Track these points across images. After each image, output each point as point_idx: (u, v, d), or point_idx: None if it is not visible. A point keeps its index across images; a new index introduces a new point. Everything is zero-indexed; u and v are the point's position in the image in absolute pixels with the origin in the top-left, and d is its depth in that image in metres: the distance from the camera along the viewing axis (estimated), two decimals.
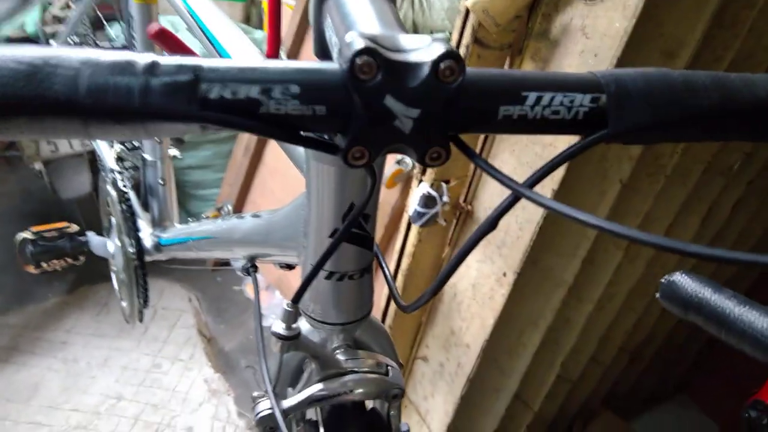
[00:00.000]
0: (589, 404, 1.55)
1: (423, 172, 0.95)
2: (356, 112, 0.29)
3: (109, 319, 2.09)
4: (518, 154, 0.86)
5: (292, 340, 0.42)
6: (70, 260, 1.28)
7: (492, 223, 0.33)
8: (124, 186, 1.06)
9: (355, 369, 0.46)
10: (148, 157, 1.05)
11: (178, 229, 0.96)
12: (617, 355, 1.43)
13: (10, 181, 2.81)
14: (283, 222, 0.55)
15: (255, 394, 0.47)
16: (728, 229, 1.29)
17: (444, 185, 0.94)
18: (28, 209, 2.62)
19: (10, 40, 1.95)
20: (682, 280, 0.31)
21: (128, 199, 1.05)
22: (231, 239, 0.66)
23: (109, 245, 1.10)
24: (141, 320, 1.14)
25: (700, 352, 1.78)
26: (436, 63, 0.28)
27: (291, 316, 0.42)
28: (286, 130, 0.29)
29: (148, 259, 1.06)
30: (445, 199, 0.93)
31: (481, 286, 0.99)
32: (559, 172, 0.81)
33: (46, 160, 2.14)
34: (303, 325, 0.50)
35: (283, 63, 0.29)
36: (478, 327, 1.02)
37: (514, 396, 1.19)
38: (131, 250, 1.01)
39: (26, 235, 1.23)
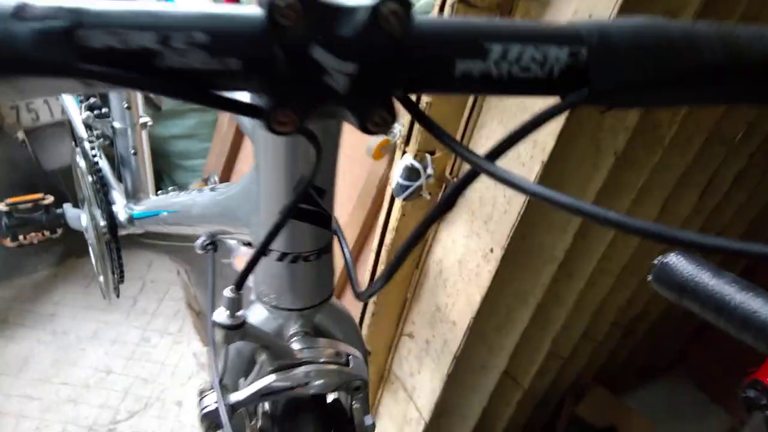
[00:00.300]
0: (581, 380, 1.53)
1: (406, 143, 0.89)
2: (278, 68, 0.24)
3: (97, 292, 2.06)
4: (506, 124, 0.81)
5: (235, 329, 0.38)
6: (47, 233, 1.25)
7: (447, 202, 0.28)
8: (95, 156, 1.01)
9: (312, 359, 0.42)
10: (117, 124, 0.99)
11: (150, 202, 0.92)
12: (610, 330, 1.40)
13: None
14: (238, 197, 0.50)
15: (200, 387, 0.43)
16: (727, 203, 1.24)
17: (428, 156, 0.89)
18: (15, 179, 2.56)
19: None
20: (676, 261, 0.27)
21: (99, 170, 1.00)
22: (190, 215, 0.62)
23: (83, 218, 1.06)
24: (117, 296, 1.10)
25: (695, 326, 1.75)
26: (376, 7, 0.24)
27: (234, 303, 0.38)
28: (191, 88, 0.24)
29: (122, 232, 1.02)
30: (430, 171, 0.88)
31: (467, 262, 0.95)
32: (549, 143, 0.76)
33: (27, 129, 2.09)
34: (257, 311, 0.46)
35: (188, 6, 0.24)
36: (464, 304, 0.98)
37: (503, 373, 1.16)
38: (102, 223, 0.97)
39: (0, 207, 1.19)
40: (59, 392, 1.67)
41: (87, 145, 1.03)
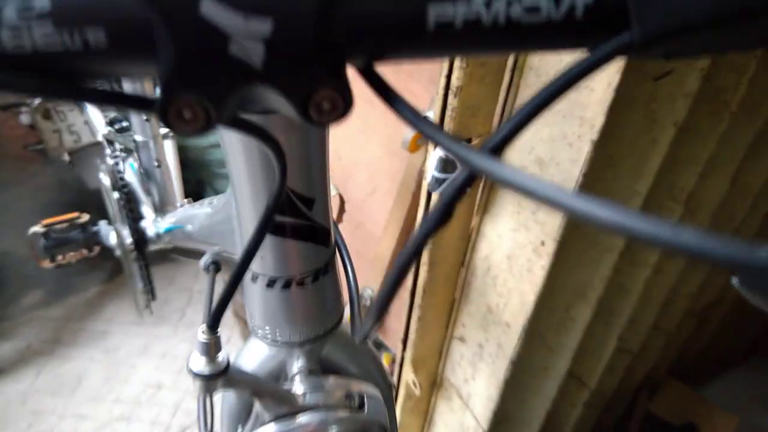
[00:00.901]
0: (654, 374, 1.41)
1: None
2: (159, 39, 0.16)
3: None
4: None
5: (215, 378, 0.31)
6: (85, 252, 1.22)
7: (443, 212, 0.20)
8: (118, 171, 0.97)
9: (317, 404, 0.35)
10: (138, 137, 0.95)
11: (173, 215, 0.87)
12: (683, 319, 1.27)
13: (46, 174, 2.83)
14: (222, 212, 0.43)
15: None
16: None
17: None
18: (66, 200, 2.62)
19: None
20: None
21: (123, 186, 0.96)
22: (193, 231, 0.55)
23: (111, 236, 1.03)
24: (151, 313, 1.06)
25: None
26: None
27: (210, 348, 0.30)
28: (45, 80, 0.17)
29: (152, 248, 0.98)
30: None
31: (516, 257, 0.86)
32: (598, 120, 0.66)
33: (71, 151, 2.11)
34: (254, 347, 0.39)
35: None
36: (517, 304, 0.89)
37: (567, 374, 1.06)
38: (128, 240, 0.93)
39: (37, 228, 1.17)
40: (112, 410, 1.67)
41: (110, 161, 0.99)
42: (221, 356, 0.31)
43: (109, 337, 1.93)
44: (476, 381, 1.07)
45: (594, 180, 0.73)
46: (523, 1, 0.17)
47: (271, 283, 0.33)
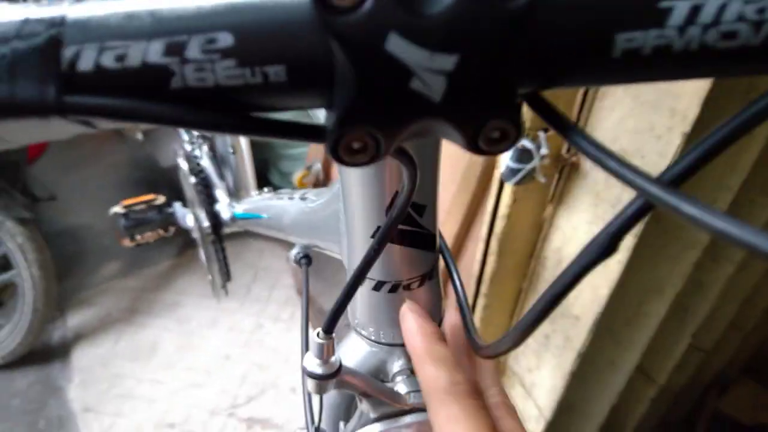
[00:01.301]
0: (727, 373, 1.36)
1: None
2: (340, 72, 0.16)
3: None
4: (635, 91, 0.69)
5: (329, 378, 0.32)
6: (161, 232, 1.28)
7: (609, 244, 0.19)
8: (196, 157, 1.01)
9: (421, 405, 0.35)
10: None
11: (249, 202, 0.90)
12: (762, 317, 1.21)
13: (121, 152, 2.97)
14: (323, 212, 0.44)
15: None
16: None
17: (542, 134, 0.78)
18: (138, 177, 2.75)
19: None
20: None
21: (200, 171, 0.99)
22: (282, 223, 0.57)
23: (188, 218, 1.07)
24: (226, 293, 1.11)
25: None
26: None
27: (324, 349, 0.31)
28: (221, 114, 0.17)
29: (226, 230, 1.02)
30: (544, 151, 0.78)
31: None
32: (691, 112, 0.63)
33: (145, 131, 2.20)
34: (355, 344, 0.40)
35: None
36: (588, 297, 0.88)
37: (635, 369, 1.04)
38: (206, 224, 0.96)
39: (117, 209, 1.24)
40: (184, 377, 1.76)
41: (188, 147, 1.03)
42: (334, 358, 0.32)
43: (181, 308, 2.03)
44: (541, 371, 1.06)
45: None
46: (721, 26, 0.16)
47: (378, 287, 0.34)
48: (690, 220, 0.15)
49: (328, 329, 0.31)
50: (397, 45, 0.16)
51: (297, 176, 1.89)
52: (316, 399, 0.38)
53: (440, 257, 0.36)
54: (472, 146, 0.18)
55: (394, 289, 0.34)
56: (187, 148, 1.03)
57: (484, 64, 0.16)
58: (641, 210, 0.18)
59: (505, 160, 0.81)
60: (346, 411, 0.41)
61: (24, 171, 1.91)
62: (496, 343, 0.25)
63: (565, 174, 0.85)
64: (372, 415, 0.35)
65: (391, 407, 0.35)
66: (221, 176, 1.07)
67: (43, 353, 1.86)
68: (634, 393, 1.14)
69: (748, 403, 1.33)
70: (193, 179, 0.98)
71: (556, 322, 0.98)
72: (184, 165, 0.99)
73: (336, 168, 0.33)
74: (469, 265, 1.11)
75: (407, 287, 0.34)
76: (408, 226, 0.32)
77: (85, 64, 0.16)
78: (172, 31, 0.16)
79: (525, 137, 0.78)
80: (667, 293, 0.89)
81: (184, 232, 1.25)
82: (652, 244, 0.80)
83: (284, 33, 0.16)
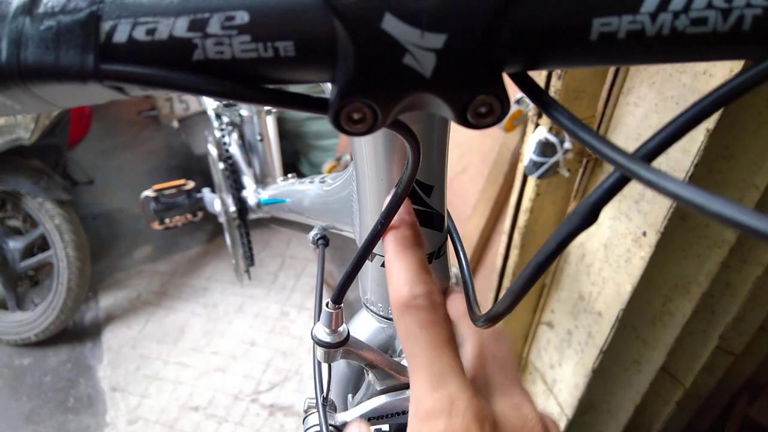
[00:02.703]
0: (758, 377, 1.32)
1: (539, 114, 0.79)
2: (342, 48, 0.18)
3: None
4: (660, 87, 0.68)
5: (336, 347, 0.33)
6: (189, 216, 1.31)
7: (588, 214, 0.20)
8: (225, 144, 1.02)
9: None
10: (243, 112, 1.00)
11: (274, 188, 0.91)
12: None
13: (157, 139, 3.04)
14: (339, 193, 0.45)
15: (306, 404, 0.39)
16: None
17: None
18: (173, 164, 2.81)
19: None
20: None
21: (228, 158, 1.01)
22: (302, 206, 0.58)
23: (216, 203, 1.09)
24: (249, 278, 1.13)
25: None
26: None
27: (333, 319, 0.33)
28: (236, 83, 0.19)
29: (252, 216, 1.03)
30: (568, 145, 0.77)
31: (614, 247, 0.82)
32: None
33: (180, 118, 2.25)
34: (364, 320, 0.41)
35: None
36: (612, 293, 0.86)
37: (660, 369, 1.02)
38: (232, 209, 0.98)
39: (148, 193, 1.27)
40: (210, 361, 1.80)
41: (217, 134, 1.05)
42: (342, 328, 0.33)
43: (209, 293, 2.07)
44: (562, 368, 1.05)
45: (706, 171, 0.69)
46: (690, 12, 0.17)
47: None
48: (659, 190, 0.16)
49: (337, 299, 0.32)
50: (391, 24, 0.17)
51: (327, 167, 1.91)
52: (325, 370, 0.39)
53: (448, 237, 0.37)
54: (461, 119, 0.19)
55: None
56: (217, 135, 1.05)
57: (470, 44, 0.18)
58: (618, 182, 0.19)
59: (528, 153, 0.80)
60: (355, 384, 0.42)
61: (64, 155, 1.97)
62: (490, 311, 0.27)
63: (588, 168, 0.83)
64: (378, 387, 0.36)
65: (397, 380, 0.36)
66: (249, 163, 1.08)
67: (76, 333, 1.92)
68: (660, 395, 1.12)
69: None
70: (221, 165, 0.99)
71: (578, 318, 0.96)
72: (213, 151, 1.01)
73: (350, 142, 0.34)
74: (494, 259, 1.10)
75: None
76: (416, 205, 0.33)
77: (120, 36, 0.18)
78: (196, 9, 0.18)
79: (548, 132, 0.77)
80: (694, 292, 0.87)
81: (213, 218, 1.28)
82: (676, 241, 0.78)
83: (293, 12, 0.18)
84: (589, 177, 0.84)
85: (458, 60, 0.18)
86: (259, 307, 1.99)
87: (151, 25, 0.18)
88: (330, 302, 0.33)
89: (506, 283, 1.02)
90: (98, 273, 2.11)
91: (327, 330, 0.33)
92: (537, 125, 0.79)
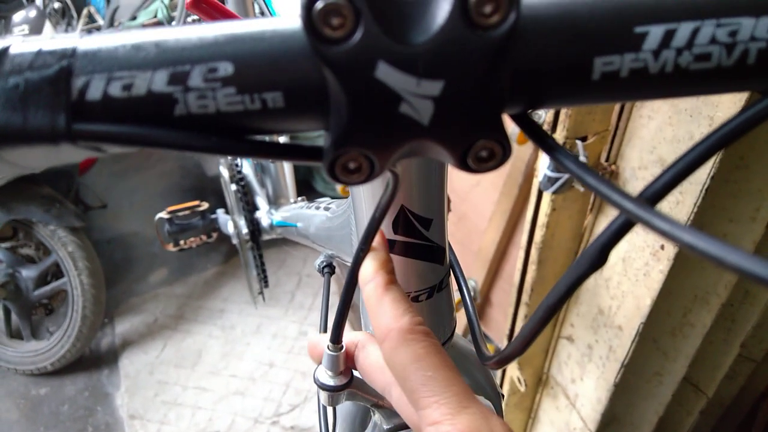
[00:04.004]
0: None
1: (553, 128, 0.79)
2: (334, 98, 0.17)
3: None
4: (673, 118, 0.67)
5: (340, 390, 0.32)
6: (204, 238, 1.32)
7: (598, 258, 0.20)
8: (236, 165, 1.03)
9: None
10: None
11: (287, 209, 0.91)
12: None
13: (169, 160, 3.06)
14: (339, 221, 0.45)
15: None
16: None
17: (579, 143, 0.77)
18: (187, 185, 2.83)
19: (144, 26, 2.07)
20: None
21: (241, 180, 1.02)
22: (308, 233, 0.58)
23: (229, 225, 1.10)
24: (264, 300, 1.13)
25: None
26: None
27: (336, 361, 0.32)
28: (222, 138, 0.18)
29: (265, 237, 1.04)
30: (582, 159, 0.77)
31: (632, 260, 0.82)
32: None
33: None
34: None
35: (206, 28, 0.18)
36: (631, 307, 0.86)
37: (682, 380, 1.00)
38: (245, 231, 0.99)
39: (162, 215, 1.28)
40: (229, 384, 1.79)
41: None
42: (345, 369, 0.32)
43: (226, 315, 2.07)
44: (584, 382, 1.04)
45: (722, 182, 0.68)
46: (694, 48, 0.17)
47: None
48: (662, 234, 0.15)
49: (336, 339, 0.31)
50: (385, 72, 0.17)
51: (340, 185, 1.91)
52: (330, 412, 0.38)
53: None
54: (462, 165, 0.19)
55: None
56: (229, 156, 1.06)
57: (468, 89, 0.17)
58: (625, 225, 0.19)
59: (542, 168, 0.80)
60: (361, 423, 0.42)
61: (76, 181, 1.99)
62: (501, 352, 0.26)
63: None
64: (385, 427, 0.36)
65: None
66: (262, 183, 1.09)
67: (92, 360, 1.93)
68: (683, 405, 1.11)
69: None
70: (233, 187, 1.00)
71: (598, 332, 0.95)
72: (225, 173, 1.02)
73: None
74: (511, 271, 1.10)
75: (415, 299, 0.35)
76: (414, 239, 0.32)
77: (94, 93, 0.17)
78: (176, 61, 0.17)
79: (562, 146, 0.77)
80: (713, 303, 0.86)
81: (228, 239, 1.28)
82: None
83: (280, 62, 0.17)
84: None
85: (457, 106, 0.18)
86: (277, 327, 1.99)
87: (127, 80, 0.17)
88: (330, 344, 0.32)
89: (524, 298, 1.02)
90: (113, 298, 2.11)
91: (330, 373, 0.32)
92: None
